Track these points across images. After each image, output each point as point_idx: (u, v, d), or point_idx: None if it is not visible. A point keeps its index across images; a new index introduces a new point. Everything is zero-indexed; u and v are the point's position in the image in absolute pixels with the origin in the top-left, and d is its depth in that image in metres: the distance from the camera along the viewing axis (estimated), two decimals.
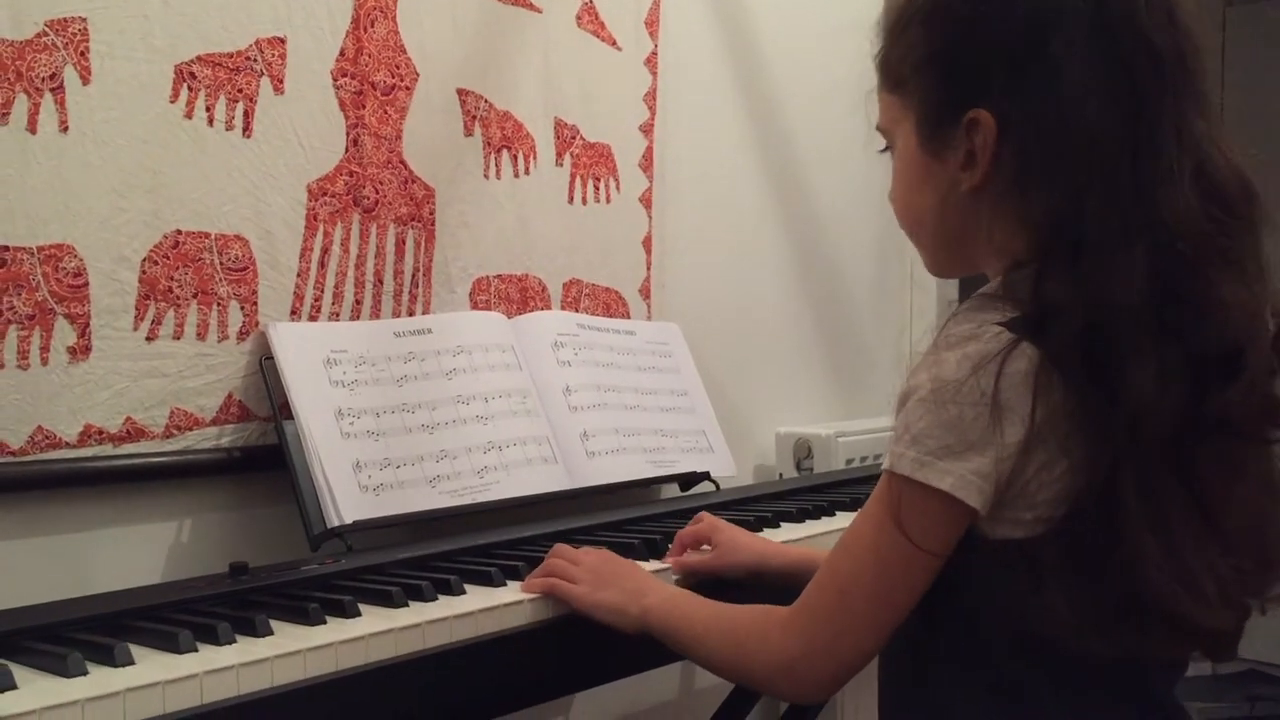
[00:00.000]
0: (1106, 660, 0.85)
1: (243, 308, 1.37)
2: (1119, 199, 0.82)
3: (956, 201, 0.90)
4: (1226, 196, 0.84)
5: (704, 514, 1.31)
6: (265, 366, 1.35)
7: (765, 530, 1.42)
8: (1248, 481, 0.84)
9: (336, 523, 1.29)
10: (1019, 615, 0.83)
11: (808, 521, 1.50)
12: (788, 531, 1.43)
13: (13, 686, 0.83)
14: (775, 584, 1.20)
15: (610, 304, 1.84)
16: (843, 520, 1.52)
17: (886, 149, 0.97)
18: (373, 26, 1.49)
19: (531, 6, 1.70)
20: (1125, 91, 0.83)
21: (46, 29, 1.21)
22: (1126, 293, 0.80)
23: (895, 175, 0.96)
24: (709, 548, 1.26)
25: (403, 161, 1.54)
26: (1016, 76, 0.85)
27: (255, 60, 1.38)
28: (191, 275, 1.33)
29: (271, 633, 0.96)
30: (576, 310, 1.78)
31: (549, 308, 1.73)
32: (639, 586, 1.07)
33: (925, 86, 0.90)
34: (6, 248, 1.18)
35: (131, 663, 0.88)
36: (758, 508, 1.55)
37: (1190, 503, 0.82)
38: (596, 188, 1.82)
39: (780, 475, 2.09)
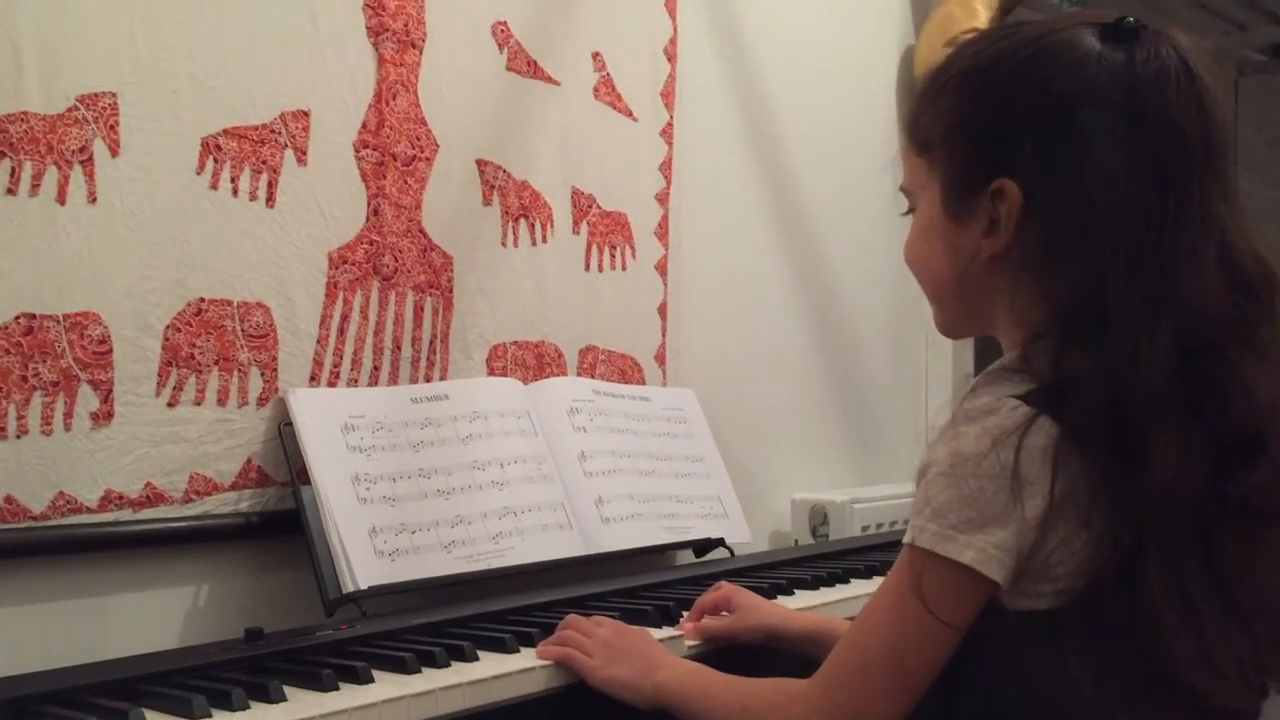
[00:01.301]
0: None
1: (263, 374, 1.39)
2: (1143, 276, 0.82)
3: (977, 268, 0.91)
4: (1249, 282, 0.85)
5: (723, 582, 1.31)
6: (284, 432, 1.37)
7: (780, 597, 1.41)
8: (1266, 563, 0.84)
9: (352, 588, 1.29)
10: (1039, 686, 0.83)
11: (823, 589, 1.49)
12: (803, 599, 1.42)
13: None
14: (793, 650, 1.20)
15: (626, 370, 1.86)
16: (858, 588, 1.51)
17: (909, 211, 0.98)
18: (394, 99, 1.53)
19: (550, 79, 1.74)
20: (1152, 173, 0.84)
21: (78, 103, 1.24)
22: (1149, 369, 0.81)
23: (914, 234, 0.97)
24: (728, 614, 1.26)
25: (422, 230, 1.56)
26: (1045, 150, 0.86)
27: (280, 132, 1.41)
28: (213, 342, 1.35)
29: (285, 699, 0.96)
30: (592, 376, 1.79)
31: (565, 374, 1.75)
32: (652, 661, 1.07)
33: (953, 152, 0.91)
34: (34, 315, 1.21)
35: None
36: (773, 574, 1.54)
37: (1211, 580, 0.82)
38: (613, 255, 1.84)
39: (796, 542, 2.08)
